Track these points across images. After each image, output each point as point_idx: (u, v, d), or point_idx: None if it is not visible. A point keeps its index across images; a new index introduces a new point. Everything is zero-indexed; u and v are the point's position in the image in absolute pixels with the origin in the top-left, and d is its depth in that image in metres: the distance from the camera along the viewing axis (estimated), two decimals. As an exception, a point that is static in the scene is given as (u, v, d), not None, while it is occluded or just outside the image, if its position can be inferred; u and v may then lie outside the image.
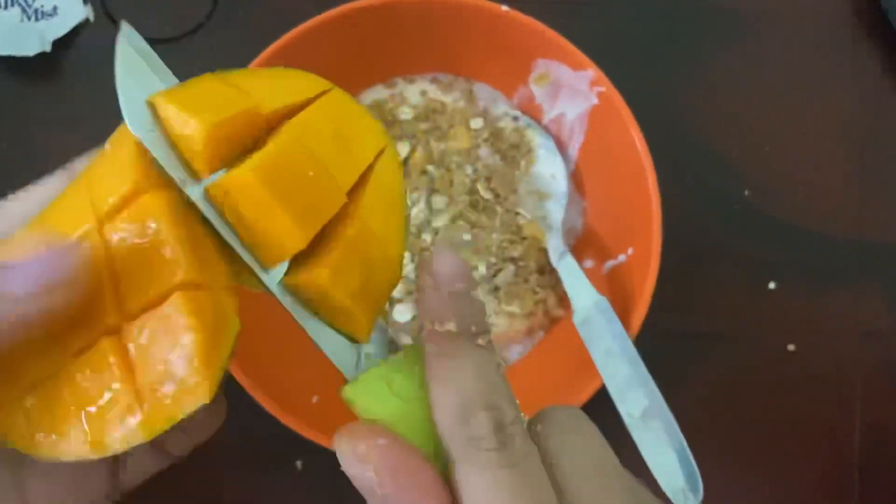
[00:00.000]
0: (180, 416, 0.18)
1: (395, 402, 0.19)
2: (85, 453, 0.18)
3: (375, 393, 0.19)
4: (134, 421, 0.18)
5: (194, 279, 0.18)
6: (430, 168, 0.45)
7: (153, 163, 0.20)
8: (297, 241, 0.19)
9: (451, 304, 0.19)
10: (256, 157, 0.19)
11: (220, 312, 0.19)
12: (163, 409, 0.18)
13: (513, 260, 0.44)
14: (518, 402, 0.19)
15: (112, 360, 0.18)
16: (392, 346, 0.22)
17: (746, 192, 0.48)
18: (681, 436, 0.37)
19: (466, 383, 0.18)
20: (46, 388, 0.19)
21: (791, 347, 0.47)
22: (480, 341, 0.19)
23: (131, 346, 0.18)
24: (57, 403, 0.19)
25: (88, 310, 0.19)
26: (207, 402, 0.18)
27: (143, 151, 0.19)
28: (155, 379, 0.18)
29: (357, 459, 0.18)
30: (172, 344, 0.18)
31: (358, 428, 0.18)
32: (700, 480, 0.36)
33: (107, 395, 0.18)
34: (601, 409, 0.38)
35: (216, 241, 0.20)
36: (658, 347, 0.41)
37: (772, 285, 0.48)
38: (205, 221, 0.19)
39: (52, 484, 0.22)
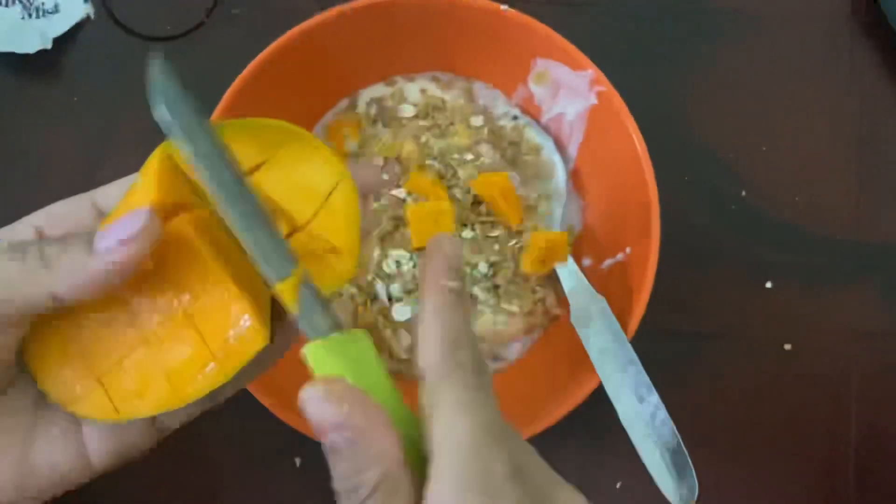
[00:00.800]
0: (248, 358, 0.24)
1: (351, 365, 0.22)
2: (168, 405, 0.24)
3: (337, 354, 0.22)
4: (211, 368, 0.24)
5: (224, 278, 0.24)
6: (432, 164, 0.45)
7: (182, 183, 0.24)
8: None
9: (453, 270, 0.24)
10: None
11: (257, 286, 0.24)
12: (233, 354, 0.24)
13: (513, 258, 0.44)
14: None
15: (184, 332, 0.24)
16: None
17: (744, 193, 0.49)
18: (677, 435, 0.37)
19: (457, 325, 0.23)
20: (123, 365, 0.24)
21: (788, 347, 0.47)
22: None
23: (196, 320, 0.24)
24: (137, 372, 0.24)
25: (155, 294, 0.24)
26: (266, 342, 0.24)
27: (165, 173, 0.24)
28: (222, 338, 0.24)
29: (332, 398, 0.21)
30: (229, 310, 0.24)
31: (330, 377, 0.22)
32: (696, 480, 0.36)
33: (184, 354, 0.24)
34: (598, 407, 0.39)
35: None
36: (655, 346, 0.41)
37: (769, 285, 0.48)
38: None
39: (106, 433, 0.25)
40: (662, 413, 0.37)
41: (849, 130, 0.50)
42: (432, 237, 0.25)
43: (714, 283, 0.48)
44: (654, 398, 0.37)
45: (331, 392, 0.21)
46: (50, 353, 0.24)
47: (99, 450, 0.25)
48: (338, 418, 0.21)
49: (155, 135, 0.54)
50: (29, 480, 0.24)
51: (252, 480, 0.45)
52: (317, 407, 0.21)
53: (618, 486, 0.45)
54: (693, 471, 0.36)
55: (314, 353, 0.22)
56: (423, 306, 0.24)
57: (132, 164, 0.47)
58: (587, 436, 0.45)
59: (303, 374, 0.26)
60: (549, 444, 0.40)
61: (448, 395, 0.22)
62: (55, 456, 0.24)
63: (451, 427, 0.21)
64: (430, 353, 0.22)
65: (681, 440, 0.37)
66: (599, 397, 0.39)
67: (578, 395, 0.39)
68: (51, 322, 0.24)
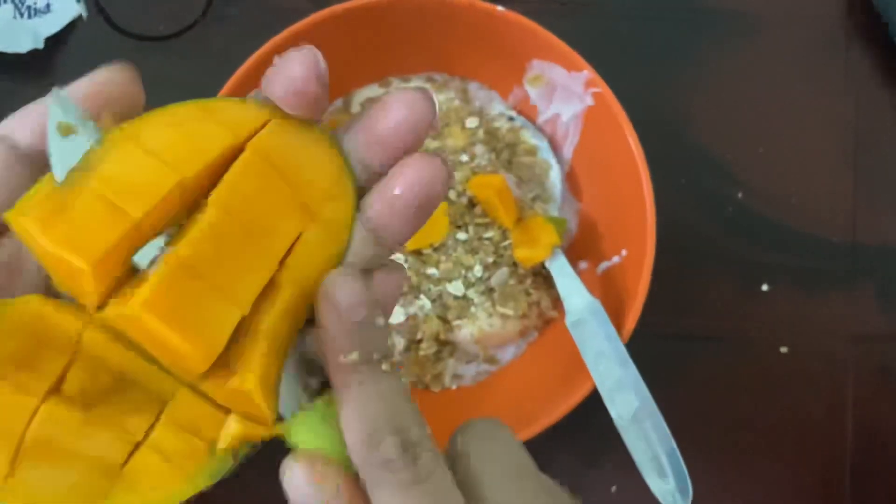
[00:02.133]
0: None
1: (330, 436, 0.20)
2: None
3: (312, 429, 0.20)
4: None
5: None
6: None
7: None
8: (198, 363, 0.19)
9: (353, 334, 0.19)
10: (146, 288, 0.18)
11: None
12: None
13: (508, 261, 0.44)
14: (427, 424, 0.20)
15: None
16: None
17: (740, 195, 0.48)
18: (671, 438, 0.37)
19: (373, 410, 0.19)
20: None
21: (783, 349, 0.47)
22: (385, 367, 0.20)
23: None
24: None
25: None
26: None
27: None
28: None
29: (314, 479, 0.19)
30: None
31: (312, 453, 0.19)
32: (689, 483, 0.36)
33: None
34: (593, 410, 0.38)
35: None
36: (651, 349, 0.41)
37: (765, 287, 0.48)
38: None
39: None
40: (657, 417, 0.37)
41: (845, 132, 0.49)
42: (323, 282, 0.20)
43: (709, 286, 0.48)
44: (649, 402, 0.37)
45: (316, 473, 0.19)
46: None
47: None
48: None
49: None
50: None
51: (245, 484, 0.45)
52: (307, 486, 0.19)
53: (613, 489, 0.45)
54: (687, 474, 0.36)
55: (296, 431, 0.20)
56: (333, 387, 0.20)
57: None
58: (582, 439, 0.45)
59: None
60: (544, 447, 0.40)
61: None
62: None
63: None
64: (352, 452, 0.19)
65: (675, 444, 0.37)
66: (594, 400, 0.39)
67: (573, 398, 0.38)
68: None
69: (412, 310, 0.43)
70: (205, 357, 0.18)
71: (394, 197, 0.20)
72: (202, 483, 0.20)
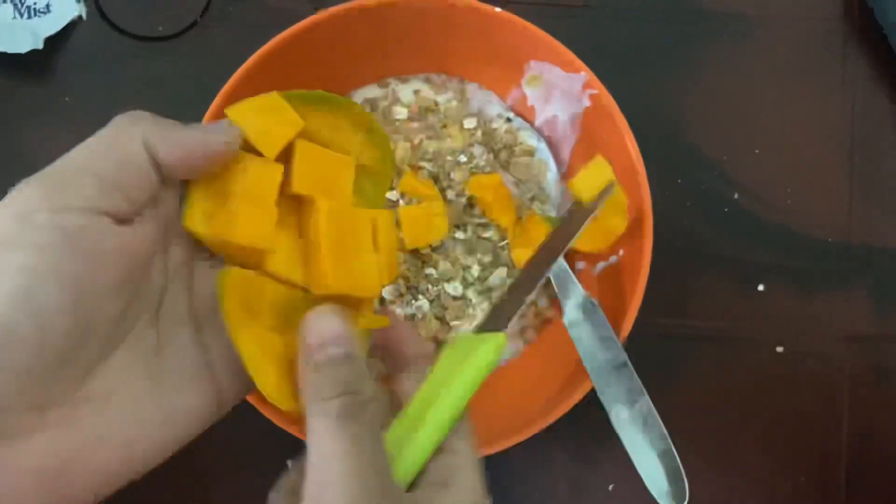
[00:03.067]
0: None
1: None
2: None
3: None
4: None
5: None
6: (425, 166, 0.45)
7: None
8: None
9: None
10: (326, 264, 0.26)
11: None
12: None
13: (506, 261, 0.44)
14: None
15: None
16: None
17: (736, 195, 0.49)
18: (668, 438, 0.37)
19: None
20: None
21: (779, 349, 0.47)
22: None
23: None
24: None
25: None
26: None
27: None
28: None
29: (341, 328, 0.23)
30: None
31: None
32: (686, 483, 0.36)
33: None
34: (590, 408, 0.39)
35: None
36: (647, 348, 0.41)
37: (761, 287, 0.48)
38: None
39: (188, 401, 0.24)
40: (653, 417, 0.37)
41: (841, 133, 0.50)
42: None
43: (706, 286, 0.48)
44: (646, 402, 0.37)
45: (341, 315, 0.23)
46: None
47: (231, 386, 0.25)
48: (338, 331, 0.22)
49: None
50: (167, 430, 0.23)
51: (244, 483, 0.45)
52: (326, 321, 0.23)
53: (610, 488, 0.45)
54: (684, 474, 0.36)
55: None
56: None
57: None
58: (579, 438, 0.45)
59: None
60: (541, 446, 0.40)
61: None
62: (190, 399, 0.24)
63: None
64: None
65: (672, 444, 0.37)
66: (592, 399, 0.39)
67: (571, 399, 0.39)
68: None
69: (410, 310, 0.43)
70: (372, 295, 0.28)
71: None
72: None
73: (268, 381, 0.24)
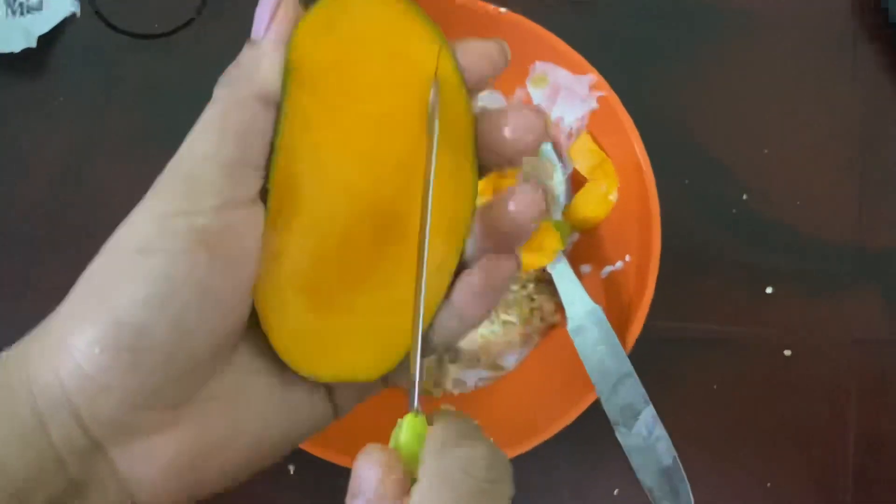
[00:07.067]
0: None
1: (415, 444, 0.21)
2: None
3: (414, 432, 0.21)
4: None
5: None
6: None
7: None
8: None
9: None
10: None
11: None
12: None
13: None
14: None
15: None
16: None
17: (745, 197, 0.48)
18: (672, 447, 0.36)
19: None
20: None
21: (787, 353, 0.47)
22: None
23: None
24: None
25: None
26: None
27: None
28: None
29: (382, 480, 0.20)
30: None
31: (396, 457, 0.21)
32: (690, 495, 0.36)
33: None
34: (596, 412, 0.38)
35: None
36: (654, 351, 0.41)
37: (769, 290, 0.47)
38: None
39: (310, 396, 0.24)
40: (658, 428, 0.36)
41: (851, 134, 0.49)
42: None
43: (713, 288, 0.47)
44: (650, 412, 0.37)
45: (387, 479, 0.20)
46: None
47: (345, 387, 0.24)
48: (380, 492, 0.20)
49: (141, 133, 0.53)
50: (290, 427, 0.23)
51: (245, 487, 0.45)
52: (366, 478, 0.20)
53: (615, 492, 0.45)
54: (688, 486, 0.36)
55: (408, 424, 0.21)
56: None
57: (120, 162, 0.47)
58: (585, 441, 0.45)
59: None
60: (546, 450, 0.40)
61: None
62: (311, 397, 0.24)
63: None
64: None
65: (676, 455, 0.36)
66: (596, 402, 0.38)
67: (577, 408, 0.38)
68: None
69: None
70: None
71: (476, 285, 0.23)
72: None
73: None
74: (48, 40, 0.48)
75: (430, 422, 0.21)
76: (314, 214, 0.22)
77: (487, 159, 0.24)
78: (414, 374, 0.22)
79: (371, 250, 0.23)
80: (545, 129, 0.24)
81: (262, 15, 0.21)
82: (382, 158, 0.23)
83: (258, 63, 0.21)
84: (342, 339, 0.23)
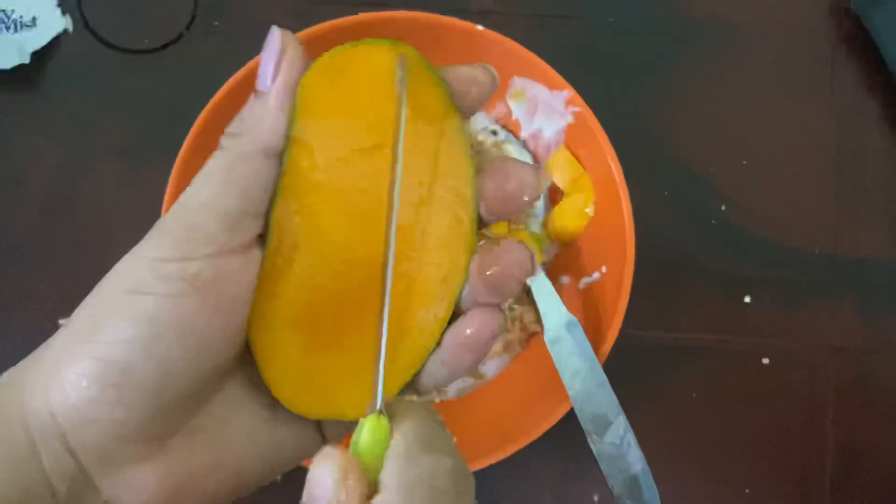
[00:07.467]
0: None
1: (377, 455, 0.21)
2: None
3: (374, 436, 0.21)
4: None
5: None
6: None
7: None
8: None
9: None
10: None
11: None
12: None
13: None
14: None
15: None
16: None
17: (723, 207, 0.49)
18: (642, 456, 0.37)
19: None
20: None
21: (765, 361, 0.47)
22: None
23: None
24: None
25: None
26: None
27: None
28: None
29: (340, 485, 0.20)
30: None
31: (352, 461, 0.20)
32: (659, 501, 0.36)
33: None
34: (574, 420, 0.39)
35: None
36: (633, 360, 0.41)
37: (747, 299, 0.48)
38: None
39: (299, 429, 0.24)
40: (630, 437, 0.37)
41: (828, 145, 0.50)
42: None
43: (692, 298, 0.48)
44: (623, 421, 0.38)
45: (345, 483, 0.20)
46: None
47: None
48: (338, 498, 0.20)
49: (133, 148, 0.53)
50: (276, 457, 0.24)
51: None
52: (321, 483, 0.20)
53: (595, 498, 0.46)
54: (657, 493, 0.37)
55: (367, 427, 0.21)
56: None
57: (112, 177, 0.48)
58: (564, 447, 0.46)
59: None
60: (526, 456, 0.40)
61: None
62: (299, 428, 0.24)
63: None
64: None
65: (646, 463, 0.37)
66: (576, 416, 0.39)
67: (555, 415, 0.39)
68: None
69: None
70: None
71: (466, 336, 0.24)
72: None
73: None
74: (41, 56, 0.49)
75: (391, 413, 0.21)
76: (310, 258, 0.23)
77: (487, 212, 0.24)
78: (377, 375, 0.22)
79: (363, 293, 0.23)
80: (541, 186, 0.24)
81: (266, 66, 0.22)
82: (379, 207, 0.23)
83: (263, 116, 0.21)
84: (333, 378, 0.23)
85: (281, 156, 0.22)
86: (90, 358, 0.20)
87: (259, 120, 0.22)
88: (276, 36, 0.22)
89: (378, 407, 0.21)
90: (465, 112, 0.24)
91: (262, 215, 0.22)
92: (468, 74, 0.24)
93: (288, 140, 0.22)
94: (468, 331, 0.24)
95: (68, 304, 0.22)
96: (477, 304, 0.24)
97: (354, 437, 0.21)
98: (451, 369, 0.24)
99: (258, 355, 0.23)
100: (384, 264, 0.23)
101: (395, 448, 0.20)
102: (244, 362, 0.23)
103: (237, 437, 0.23)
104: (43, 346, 0.22)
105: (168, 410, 0.21)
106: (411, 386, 0.25)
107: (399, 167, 0.22)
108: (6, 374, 0.22)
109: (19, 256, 0.47)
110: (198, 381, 0.21)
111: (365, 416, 0.21)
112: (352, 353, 0.23)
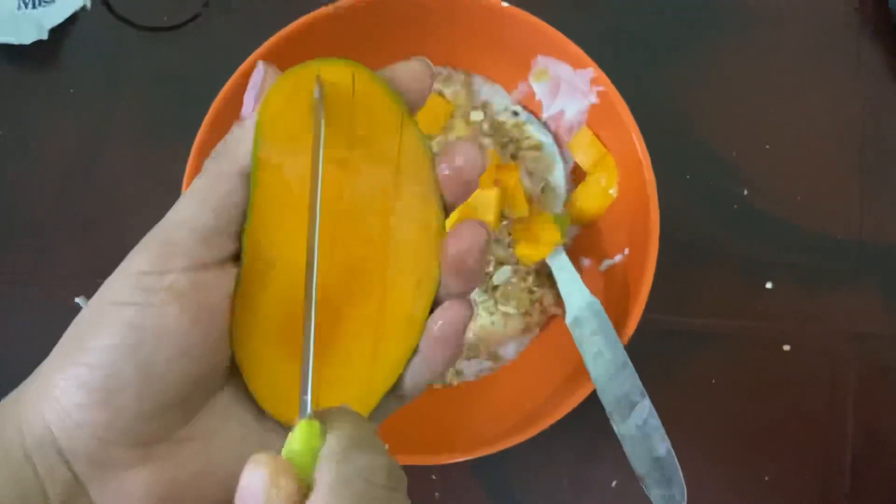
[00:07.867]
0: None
1: (310, 460, 0.20)
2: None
3: (307, 440, 0.21)
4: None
5: None
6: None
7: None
8: None
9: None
10: None
11: None
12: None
13: (510, 259, 0.44)
14: None
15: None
16: None
17: (745, 192, 0.48)
18: (666, 438, 0.37)
19: None
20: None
21: (786, 347, 0.47)
22: None
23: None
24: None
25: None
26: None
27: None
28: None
29: (272, 490, 0.19)
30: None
31: (285, 465, 0.20)
32: (684, 487, 0.36)
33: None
34: (594, 404, 0.39)
35: None
36: (653, 345, 0.41)
37: (769, 285, 0.47)
38: None
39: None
40: (654, 419, 0.37)
41: (853, 129, 0.49)
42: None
43: (713, 283, 0.47)
44: (647, 403, 0.37)
45: (277, 488, 0.19)
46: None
47: None
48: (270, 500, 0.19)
49: (151, 125, 0.53)
50: None
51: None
52: (253, 488, 0.19)
53: (613, 484, 0.45)
54: (681, 476, 0.36)
55: (301, 429, 0.21)
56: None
57: (130, 154, 0.48)
58: (582, 434, 0.45)
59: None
60: (544, 442, 0.40)
61: None
62: None
63: None
64: None
65: (670, 445, 0.37)
66: (595, 395, 0.39)
67: (575, 398, 0.38)
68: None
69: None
70: None
71: (436, 329, 0.25)
72: None
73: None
74: (59, 32, 0.48)
75: (322, 419, 0.21)
76: (284, 273, 0.23)
77: (449, 194, 0.25)
78: (305, 380, 0.21)
79: (342, 304, 0.24)
80: (483, 162, 0.25)
81: (248, 99, 0.24)
82: (350, 216, 0.24)
83: (241, 140, 0.23)
84: (317, 388, 0.23)
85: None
86: (79, 364, 0.21)
87: (237, 143, 0.23)
88: (259, 70, 0.24)
89: (308, 412, 0.21)
90: (412, 106, 0.25)
91: (235, 233, 0.23)
92: (410, 72, 0.25)
93: (255, 160, 0.23)
94: (438, 323, 0.24)
95: (86, 281, 0.22)
96: (448, 297, 0.25)
97: (287, 442, 0.21)
98: (430, 366, 0.25)
99: (243, 368, 0.23)
100: (358, 272, 0.24)
101: (328, 447, 0.20)
102: (233, 376, 0.24)
103: (226, 446, 0.24)
104: (41, 365, 0.23)
105: (154, 415, 0.22)
106: (395, 391, 0.25)
107: (318, 186, 0.23)
108: (11, 394, 0.23)
109: (38, 232, 0.47)
110: (183, 387, 0.22)
111: (296, 422, 0.21)
112: (334, 363, 0.24)
